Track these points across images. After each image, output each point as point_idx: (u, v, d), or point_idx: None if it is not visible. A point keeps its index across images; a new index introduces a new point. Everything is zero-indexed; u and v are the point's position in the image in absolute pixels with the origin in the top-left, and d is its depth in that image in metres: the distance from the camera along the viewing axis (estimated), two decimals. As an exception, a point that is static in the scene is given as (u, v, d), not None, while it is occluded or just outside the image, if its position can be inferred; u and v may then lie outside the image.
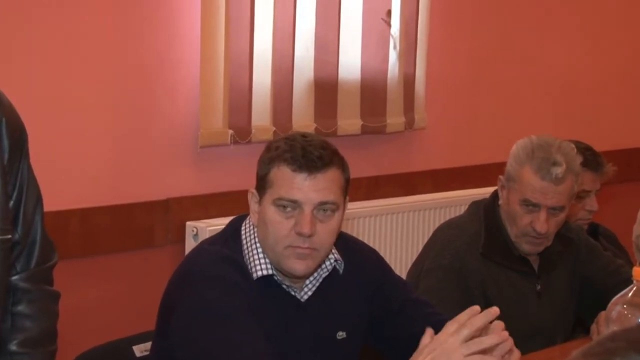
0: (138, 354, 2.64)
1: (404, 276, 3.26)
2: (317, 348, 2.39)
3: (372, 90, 4.24)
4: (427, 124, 4.50)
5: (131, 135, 3.63)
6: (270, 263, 2.33)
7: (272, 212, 2.29)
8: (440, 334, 2.09)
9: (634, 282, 2.25)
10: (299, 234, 2.26)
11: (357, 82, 4.19)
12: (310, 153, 2.25)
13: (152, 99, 3.67)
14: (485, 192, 3.14)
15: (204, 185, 3.84)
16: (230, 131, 3.77)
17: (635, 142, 5.24)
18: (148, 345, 2.62)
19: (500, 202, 3.04)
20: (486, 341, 2.06)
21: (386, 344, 2.48)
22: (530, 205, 2.95)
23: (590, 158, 3.41)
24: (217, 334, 2.20)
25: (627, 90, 5.43)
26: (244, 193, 3.91)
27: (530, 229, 2.96)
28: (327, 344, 2.41)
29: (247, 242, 2.38)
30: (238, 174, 3.93)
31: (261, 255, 2.34)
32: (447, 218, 3.60)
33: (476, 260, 2.96)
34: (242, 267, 2.33)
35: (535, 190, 2.93)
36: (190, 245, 3.71)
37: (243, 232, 2.40)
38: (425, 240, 3.16)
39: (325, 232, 2.29)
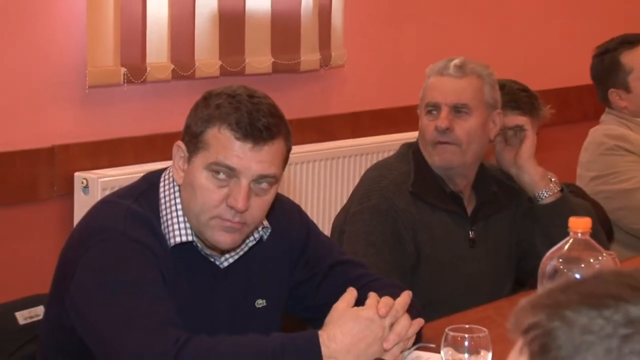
0: (22, 321, 2.64)
1: (327, 229, 3.30)
2: (234, 317, 2.43)
3: (284, 23, 4.25)
4: (345, 62, 4.52)
5: (8, 74, 3.60)
6: (191, 228, 2.34)
7: (203, 177, 2.27)
8: (368, 312, 2.27)
9: (570, 234, 2.30)
10: (231, 208, 2.27)
11: (267, 14, 4.20)
12: (258, 120, 2.25)
13: (32, 33, 3.64)
14: (414, 136, 3.19)
15: (93, 130, 3.83)
16: (123, 69, 3.75)
17: (574, 80, 5.33)
18: (33, 311, 2.62)
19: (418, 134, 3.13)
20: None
21: (313, 313, 2.52)
22: (433, 109, 3.06)
23: (526, 100, 3.47)
24: (121, 305, 2.22)
25: (565, 25, 5.52)
26: (140, 139, 3.97)
27: (436, 134, 3.05)
28: (246, 313, 2.45)
29: (165, 202, 2.36)
30: (132, 118, 3.92)
31: (181, 219, 2.33)
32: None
33: (405, 201, 3.02)
34: (156, 230, 2.33)
35: (434, 88, 3.07)
36: (80, 198, 3.72)
37: (162, 189, 2.38)
38: (346, 189, 3.19)
39: (258, 207, 2.31)
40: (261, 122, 2.25)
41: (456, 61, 3.07)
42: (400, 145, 3.22)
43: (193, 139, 2.30)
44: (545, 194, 3.20)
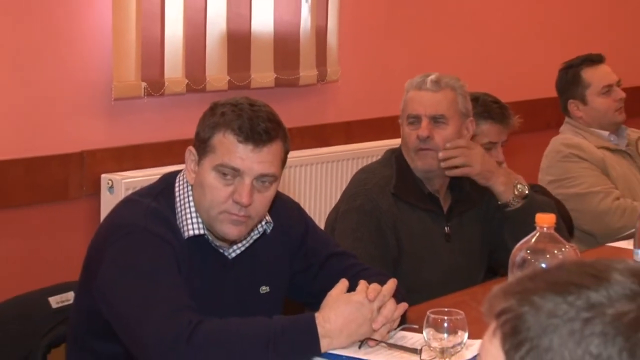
0: (54, 305, 2.64)
1: (321, 225, 3.31)
2: (241, 302, 2.43)
3: (284, 43, 4.24)
4: (340, 77, 4.51)
5: (44, 87, 3.61)
6: (203, 223, 2.35)
7: (211, 177, 2.28)
8: (358, 297, 2.27)
9: (537, 228, 2.30)
10: (237, 203, 2.28)
11: (270, 35, 4.19)
12: (258, 125, 2.26)
13: (65, 50, 3.65)
14: (399, 142, 3.19)
15: (118, 137, 3.83)
16: (144, 84, 3.75)
17: (540, 93, 5.33)
18: (64, 296, 2.62)
19: (401, 142, 3.13)
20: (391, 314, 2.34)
21: (312, 298, 2.50)
22: (414, 120, 3.06)
23: (497, 110, 3.47)
24: (142, 292, 2.22)
25: (533, 41, 5.53)
26: (158, 145, 3.98)
27: (418, 142, 3.05)
28: (251, 298, 2.45)
29: (180, 200, 2.37)
30: (152, 126, 3.93)
31: (194, 215, 2.34)
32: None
33: (388, 201, 3.01)
34: (172, 225, 2.33)
35: (414, 101, 3.06)
36: (106, 197, 3.73)
37: (177, 189, 2.38)
38: (340, 190, 3.18)
39: (260, 202, 2.32)
40: (260, 127, 2.26)
41: (432, 77, 3.06)
42: (385, 151, 3.22)
43: (202, 144, 2.31)
44: (510, 204, 3.17)
